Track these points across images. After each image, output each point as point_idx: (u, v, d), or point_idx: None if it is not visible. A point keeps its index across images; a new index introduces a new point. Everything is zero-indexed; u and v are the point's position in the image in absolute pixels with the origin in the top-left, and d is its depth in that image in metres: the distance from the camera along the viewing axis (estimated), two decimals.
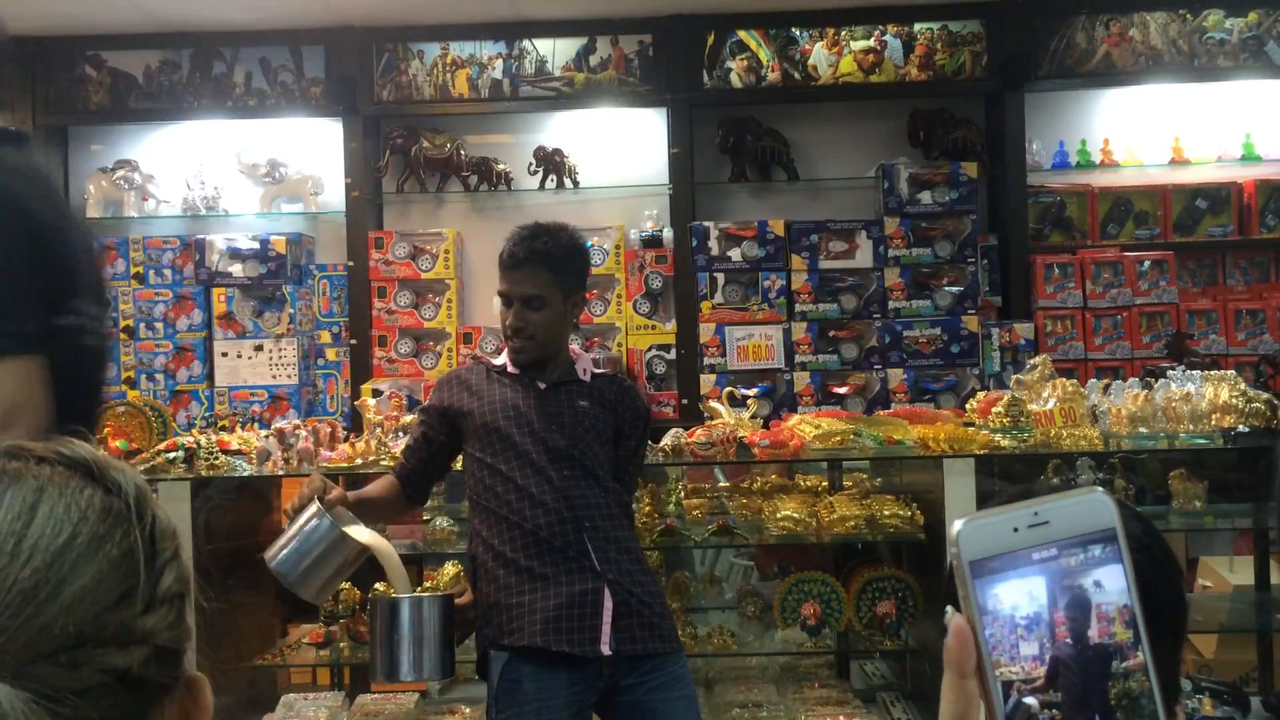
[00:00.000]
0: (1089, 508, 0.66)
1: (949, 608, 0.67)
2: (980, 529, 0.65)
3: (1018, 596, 0.65)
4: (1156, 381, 3.21)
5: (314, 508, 2.27)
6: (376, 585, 2.86)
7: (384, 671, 2.33)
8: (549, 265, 2.46)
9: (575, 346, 2.64)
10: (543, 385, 2.50)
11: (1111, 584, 0.65)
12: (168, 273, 4.63)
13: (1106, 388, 3.23)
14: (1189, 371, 3.28)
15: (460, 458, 2.62)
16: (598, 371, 2.61)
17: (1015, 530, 0.65)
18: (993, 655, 0.64)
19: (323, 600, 2.33)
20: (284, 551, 2.27)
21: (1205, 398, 3.09)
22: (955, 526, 0.65)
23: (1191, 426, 3.04)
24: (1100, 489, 0.68)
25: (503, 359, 2.56)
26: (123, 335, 4.55)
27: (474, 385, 2.53)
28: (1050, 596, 0.65)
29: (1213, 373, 3.25)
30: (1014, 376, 3.44)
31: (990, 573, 0.65)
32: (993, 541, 0.65)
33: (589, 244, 3.77)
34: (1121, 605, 0.65)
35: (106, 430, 3.41)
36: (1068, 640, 0.64)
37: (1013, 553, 0.65)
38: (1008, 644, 0.64)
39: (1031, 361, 3.40)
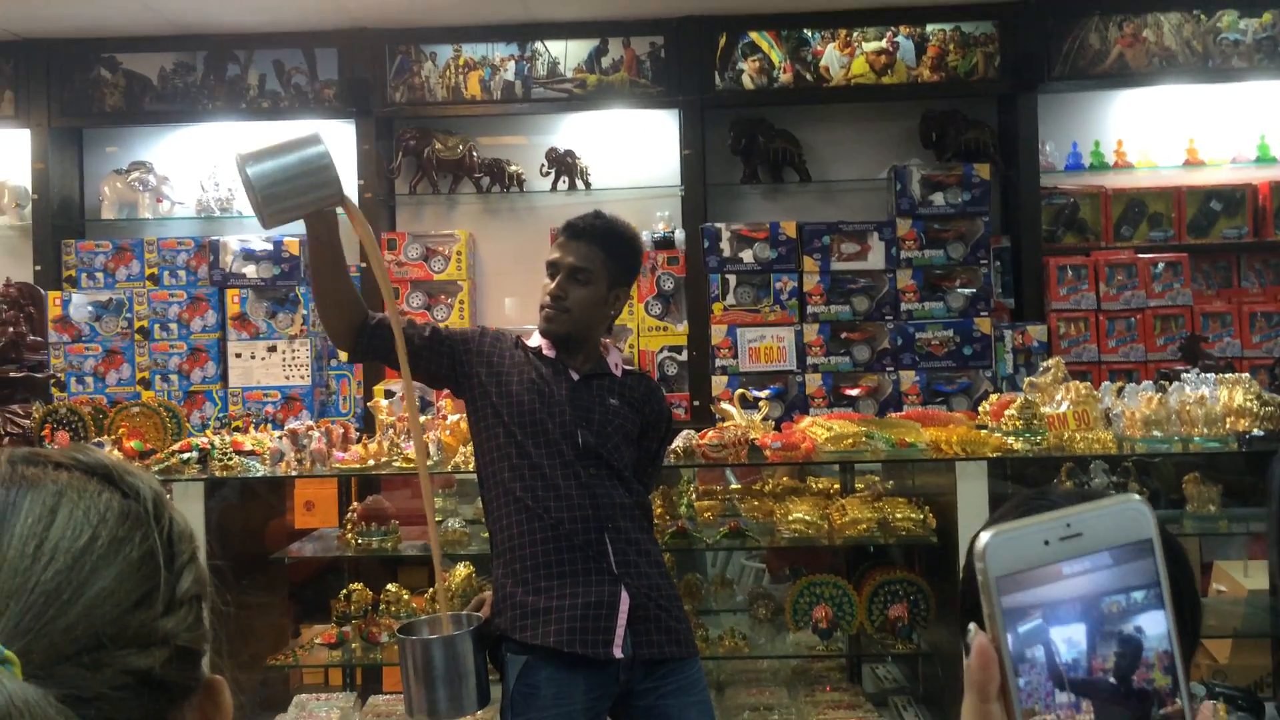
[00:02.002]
0: (1125, 517, 0.61)
1: (972, 625, 0.62)
2: (1008, 541, 0.60)
3: (1048, 617, 0.59)
4: (1170, 384, 3.19)
5: (313, 133, 2.10)
6: (404, 586, 2.85)
7: (422, 709, 2.23)
8: (604, 245, 2.44)
9: (605, 340, 2.58)
10: (575, 376, 2.44)
11: (1152, 626, 0.60)
12: (182, 274, 4.65)
13: (1120, 390, 3.22)
14: (1203, 374, 3.26)
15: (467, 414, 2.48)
16: (628, 368, 2.57)
17: (1046, 543, 0.60)
18: (1019, 680, 0.59)
19: (272, 225, 2.12)
20: (268, 161, 2.04)
21: (1220, 401, 3.08)
22: (982, 539, 0.60)
23: (1206, 430, 3.03)
24: (1137, 496, 0.63)
25: (536, 341, 2.49)
26: (137, 336, 4.57)
27: (511, 355, 2.46)
28: (1084, 618, 0.59)
29: (1227, 376, 3.23)
30: (1027, 379, 3.44)
31: (1018, 589, 0.59)
32: (1021, 555, 0.60)
33: None
34: (1162, 650, 0.60)
35: (121, 430, 3.43)
36: (1104, 670, 0.59)
37: (1043, 568, 0.60)
38: (1035, 669, 0.59)
39: (1044, 364, 3.39)
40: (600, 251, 2.43)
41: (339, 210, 2.15)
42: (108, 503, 0.63)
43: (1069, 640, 0.59)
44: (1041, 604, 0.59)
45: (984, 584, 0.60)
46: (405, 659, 2.23)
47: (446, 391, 2.82)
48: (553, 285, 2.42)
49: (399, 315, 2.32)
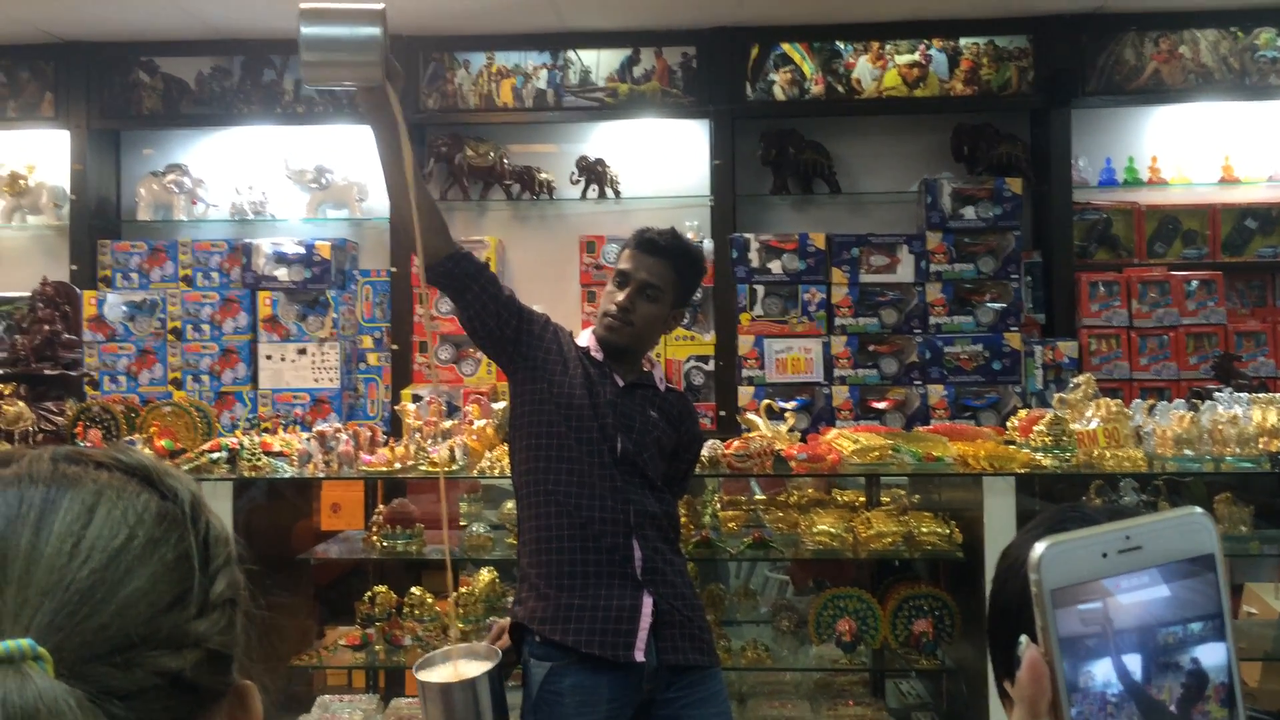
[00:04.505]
0: (1187, 530, 0.59)
1: (1024, 637, 0.60)
2: (1064, 553, 0.58)
3: (1104, 632, 0.57)
4: (1203, 403, 3.16)
5: (379, 10, 2.03)
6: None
7: None
8: (677, 266, 2.45)
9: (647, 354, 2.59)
10: (620, 383, 2.45)
11: (1212, 654, 0.57)
12: (215, 275, 4.70)
13: (1151, 408, 3.19)
14: (1236, 394, 3.23)
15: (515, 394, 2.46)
16: (669, 384, 2.58)
17: (1104, 555, 0.58)
18: (1071, 699, 0.57)
19: (310, 85, 2.10)
20: (319, 25, 2.01)
21: (1252, 421, 3.04)
22: (1037, 550, 0.58)
23: (1238, 450, 3.00)
24: (1199, 510, 0.60)
25: (585, 341, 2.49)
26: (170, 337, 4.62)
27: (566, 348, 2.45)
28: (1141, 636, 0.57)
29: (1260, 395, 3.20)
30: (1057, 395, 3.41)
31: (1074, 602, 0.57)
32: (1078, 567, 0.57)
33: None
34: (1219, 683, 0.57)
35: (152, 429, 3.47)
36: (1159, 693, 0.57)
37: (1100, 580, 0.57)
38: (1089, 686, 0.57)
39: (1075, 380, 3.37)
40: (672, 271, 2.44)
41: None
42: (145, 503, 0.64)
43: (1125, 658, 0.57)
44: (1097, 619, 0.57)
45: (1038, 596, 0.58)
46: (424, 699, 2.22)
47: (473, 397, 2.83)
48: (622, 297, 2.42)
49: (426, 193, 2.36)
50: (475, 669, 2.18)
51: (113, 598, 0.58)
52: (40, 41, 4.78)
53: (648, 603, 2.32)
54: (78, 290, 4.53)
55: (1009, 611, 1.06)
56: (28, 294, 4.05)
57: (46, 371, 3.74)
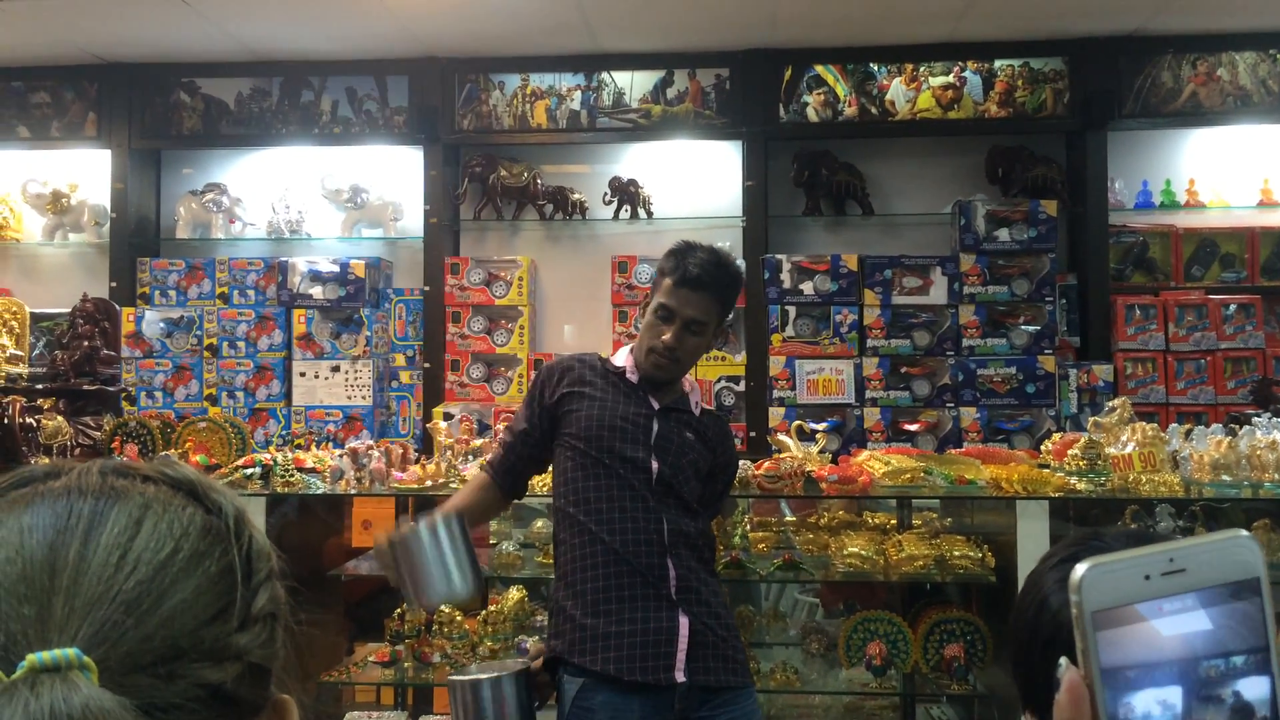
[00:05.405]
0: (1231, 553, 0.58)
1: (1063, 659, 0.59)
2: (1106, 575, 0.57)
3: (1146, 656, 0.56)
4: (1241, 428, 3.12)
5: (432, 521, 2.30)
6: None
7: None
8: (720, 296, 2.45)
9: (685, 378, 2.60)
10: (656, 405, 2.45)
11: (1255, 686, 0.56)
12: (251, 293, 4.75)
13: (1188, 433, 3.15)
14: (1275, 419, 3.18)
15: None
16: (705, 407, 2.58)
17: (1146, 578, 0.57)
18: None
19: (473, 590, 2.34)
20: (428, 578, 2.27)
21: None
22: (1078, 571, 0.57)
23: (1276, 476, 2.95)
24: (1244, 532, 0.59)
25: (621, 362, 2.50)
26: (206, 353, 4.67)
27: (588, 379, 2.47)
28: (1184, 661, 0.56)
29: None
30: (1092, 419, 3.37)
31: (1115, 625, 0.56)
32: (1120, 590, 0.57)
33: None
34: (1264, 716, 0.56)
35: (187, 445, 3.51)
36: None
37: (1142, 604, 0.57)
38: (1129, 713, 0.56)
39: (1110, 404, 3.33)
40: (716, 303, 2.44)
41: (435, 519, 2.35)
42: (190, 517, 0.65)
43: (1167, 683, 0.56)
44: (1139, 642, 0.56)
45: (1078, 618, 0.57)
46: (454, 701, 2.29)
47: (504, 415, 2.85)
48: (669, 335, 2.40)
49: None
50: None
51: (157, 609, 0.59)
52: (84, 62, 4.87)
53: (684, 623, 2.31)
54: (117, 307, 4.58)
55: (1027, 642, 1.04)
56: (68, 310, 4.12)
57: (85, 386, 3.79)
